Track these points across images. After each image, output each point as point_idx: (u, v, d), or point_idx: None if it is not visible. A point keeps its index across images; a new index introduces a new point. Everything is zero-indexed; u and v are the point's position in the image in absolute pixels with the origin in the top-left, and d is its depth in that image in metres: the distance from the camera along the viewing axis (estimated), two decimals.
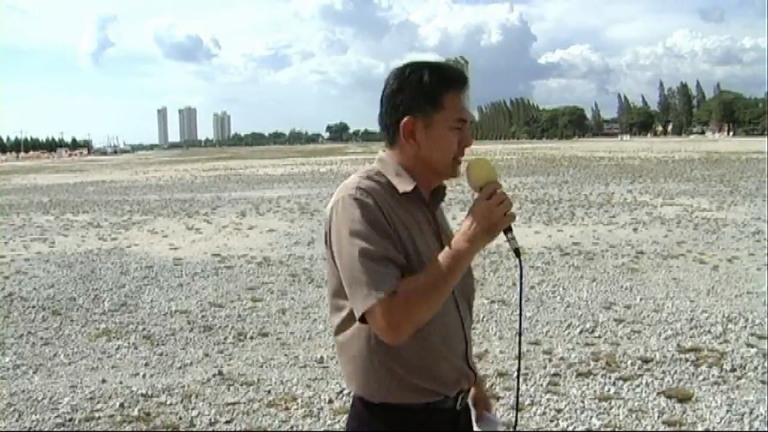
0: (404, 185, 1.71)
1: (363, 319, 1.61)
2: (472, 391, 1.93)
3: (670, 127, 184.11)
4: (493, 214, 1.59)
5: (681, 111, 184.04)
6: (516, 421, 2.18)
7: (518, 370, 1.72)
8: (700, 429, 4.01)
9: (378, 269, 1.58)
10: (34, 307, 7.33)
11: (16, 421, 4.35)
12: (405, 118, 1.71)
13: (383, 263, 1.59)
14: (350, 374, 1.76)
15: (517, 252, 1.67)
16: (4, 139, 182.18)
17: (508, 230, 1.63)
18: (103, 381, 5.02)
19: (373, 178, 1.72)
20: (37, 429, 4.25)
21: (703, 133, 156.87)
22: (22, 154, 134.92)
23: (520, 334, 1.89)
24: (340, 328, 1.74)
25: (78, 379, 5.10)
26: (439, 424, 1.76)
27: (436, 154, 1.72)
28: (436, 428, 1.75)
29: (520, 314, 2.06)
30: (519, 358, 2.17)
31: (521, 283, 1.87)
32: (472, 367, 1.84)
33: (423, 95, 1.71)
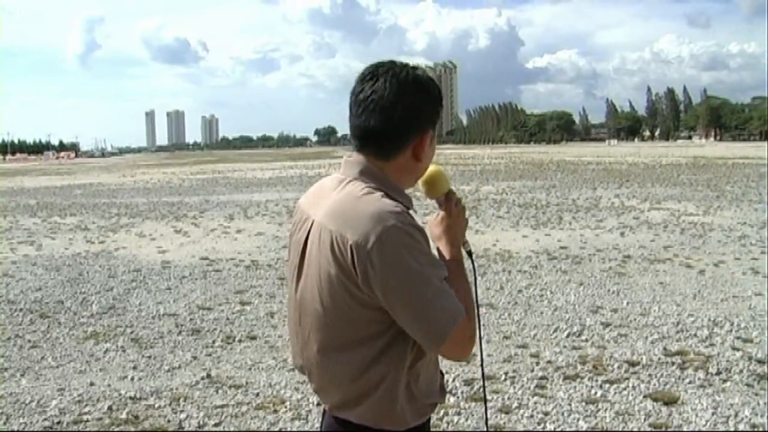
0: (408, 203, 1.64)
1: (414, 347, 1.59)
2: None
3: (657, 132, 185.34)
4: (464, 219, 1.76)
5: (668, 116, 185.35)
6: (486, 422, 2.20)
7: (483, 380, 1.72)
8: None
9: (450, 290, 1.55)
10: (21, 310, 7.29)
11: (4, 424, 4.33)
12: (429, 132, 1.64)
13: (446, 283, 1.56)
14: (374, 411, 1.63)
15: (470, 253, 1.78)
16: None
17: None
18: (91, 384, 5.00)
19: (390, 196, 1.58)
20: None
21: (690, 138, 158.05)
22: (8, 156, 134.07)
23: (480, 336, 1.86)
24: (362, 372, 1.60)
25: (66, 381, 5.08)
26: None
27: (426, 167, 1.71)
28: None
29: (477, 312, 1.81)
30: (482, 365, 2.18)
31: (476, 285, 1.82)
32: None
33: (439, 106, 1.68)
